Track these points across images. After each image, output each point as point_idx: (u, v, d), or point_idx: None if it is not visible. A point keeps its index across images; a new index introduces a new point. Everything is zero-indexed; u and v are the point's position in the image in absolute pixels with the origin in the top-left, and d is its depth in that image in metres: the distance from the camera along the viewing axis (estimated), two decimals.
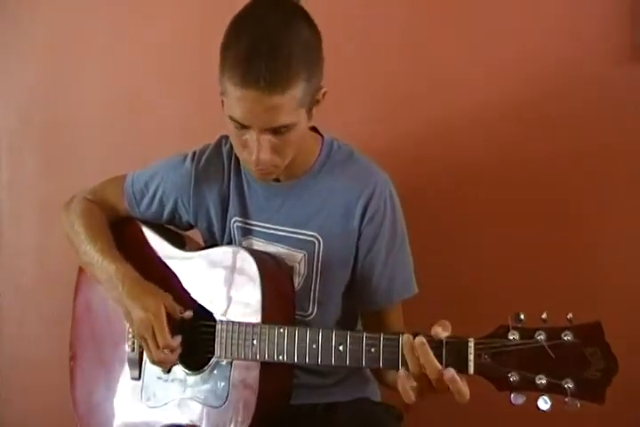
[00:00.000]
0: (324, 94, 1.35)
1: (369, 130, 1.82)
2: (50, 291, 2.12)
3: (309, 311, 1.44)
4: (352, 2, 1.86)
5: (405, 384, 1.15)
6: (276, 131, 1.28)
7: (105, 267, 1.44)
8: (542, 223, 1.74)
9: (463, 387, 1.11)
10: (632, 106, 1.66)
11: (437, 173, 1.79)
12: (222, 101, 1.32)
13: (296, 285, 1.42)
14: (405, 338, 1.15)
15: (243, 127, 1.29)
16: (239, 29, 1.28)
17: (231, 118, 1.29)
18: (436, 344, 1.13)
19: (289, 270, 1.42)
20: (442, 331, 1.13)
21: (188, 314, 1.39)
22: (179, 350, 1.38)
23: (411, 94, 1.81)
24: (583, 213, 1.71)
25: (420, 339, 1.13)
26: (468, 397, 1.12)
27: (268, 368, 1.30)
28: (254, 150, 1.30)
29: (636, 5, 1.64)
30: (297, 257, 1.43)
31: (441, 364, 1.12)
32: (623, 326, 1.38)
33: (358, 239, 1.42)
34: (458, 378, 1.11)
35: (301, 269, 1.43)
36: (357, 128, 1.80)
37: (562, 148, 1.70)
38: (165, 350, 1.36)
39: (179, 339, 1.37)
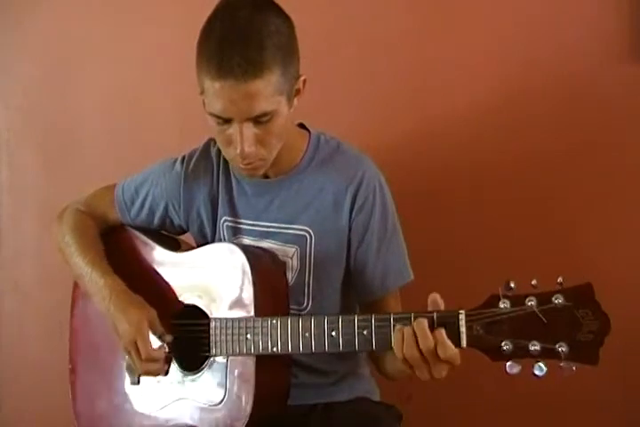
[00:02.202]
0: (304, 83, 1.36)
1: (369, 130, 1.82)
2: (50, 291, 2.12)
3: (304, 305, 1.44)
4: (352, 2, 1.86)
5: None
6: (257, 120, 1.28)
7: (94, 279, 1.45)
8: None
9: (451, 347, 1.10)
10: (631, 106, 1.66)
11: (437, 171, 1.79)
12: (203, 102, 1.32)
13: (290, 279, 1.41)
14: (397, 331, 1.15)
15: (225, 122, 1.29)
16: (211, 26, 1.30)
17: (212, 115, 1.30)
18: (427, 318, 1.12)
19: (282, 265, 1.41)
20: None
21: (169, 338, 1.39)
22: (163, 361, 1.38)
23: (410, 94, 1.81)
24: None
25: (420, 322, 1.12)
26: (458, 359, 1.11)
27: (264, 362, 1.30)
28: (238, 143, 1.30)
29: (634, 5, 1.64)
30: (289, 252, 1.43)
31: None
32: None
33: (349, 232, 1.42)
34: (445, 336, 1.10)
35: (294, 263, 1.43)
36: (357, 128, 1.80)
37: (561, 147, 1.70)
38: (149, 362, 1.37)
39: (162, 350, 1.38)
